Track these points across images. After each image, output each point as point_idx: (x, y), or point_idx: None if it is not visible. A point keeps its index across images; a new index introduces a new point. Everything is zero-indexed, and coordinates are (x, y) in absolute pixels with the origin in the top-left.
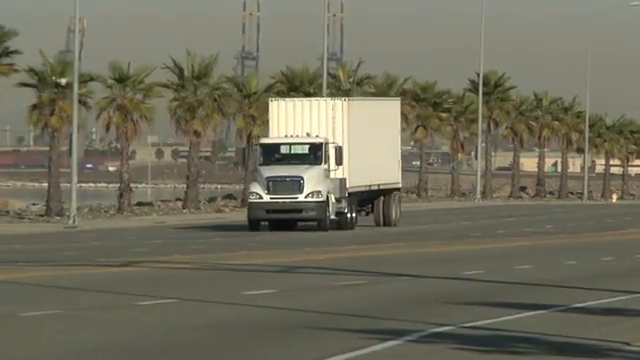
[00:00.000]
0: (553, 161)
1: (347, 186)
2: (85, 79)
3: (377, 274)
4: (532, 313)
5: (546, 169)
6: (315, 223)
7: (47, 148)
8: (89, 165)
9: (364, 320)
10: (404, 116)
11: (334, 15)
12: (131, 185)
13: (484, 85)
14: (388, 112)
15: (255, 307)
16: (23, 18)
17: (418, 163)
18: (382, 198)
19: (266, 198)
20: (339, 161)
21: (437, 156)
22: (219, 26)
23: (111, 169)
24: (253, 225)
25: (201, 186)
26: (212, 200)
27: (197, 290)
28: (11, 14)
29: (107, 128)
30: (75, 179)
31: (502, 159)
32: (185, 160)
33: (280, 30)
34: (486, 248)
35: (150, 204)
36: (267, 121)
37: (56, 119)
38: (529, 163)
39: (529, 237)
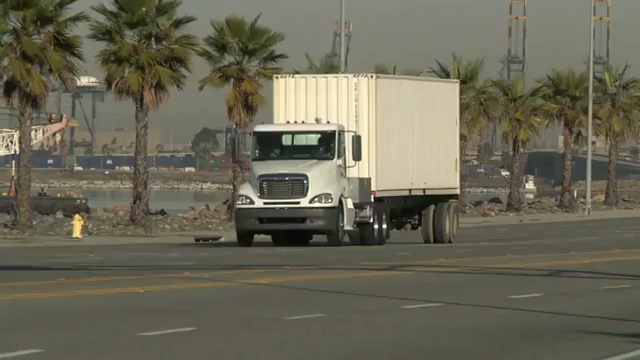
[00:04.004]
0: None
1: (373, 189)
2: None
3: None
4: None
5: None
6: (325, 235)
7: None
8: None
9: (630, 324)
10: None
11: (600, 19)
12: None
13: None
14: (440, 97)
15: (521, 311)
16: (290, 22)
17: None
18: (432, 207)
19: (258, 203)
20: (358, 155)
21: None
22: (486, 30)
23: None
24: (243, 239)
25: (466, 190)
26: (478, 204)
27: (463, 294)
28: (277, 18)
29: None
30: None
31: None
32: None
33: (546, 34)
34: None
35: None
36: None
37: None
38: None
39: None
